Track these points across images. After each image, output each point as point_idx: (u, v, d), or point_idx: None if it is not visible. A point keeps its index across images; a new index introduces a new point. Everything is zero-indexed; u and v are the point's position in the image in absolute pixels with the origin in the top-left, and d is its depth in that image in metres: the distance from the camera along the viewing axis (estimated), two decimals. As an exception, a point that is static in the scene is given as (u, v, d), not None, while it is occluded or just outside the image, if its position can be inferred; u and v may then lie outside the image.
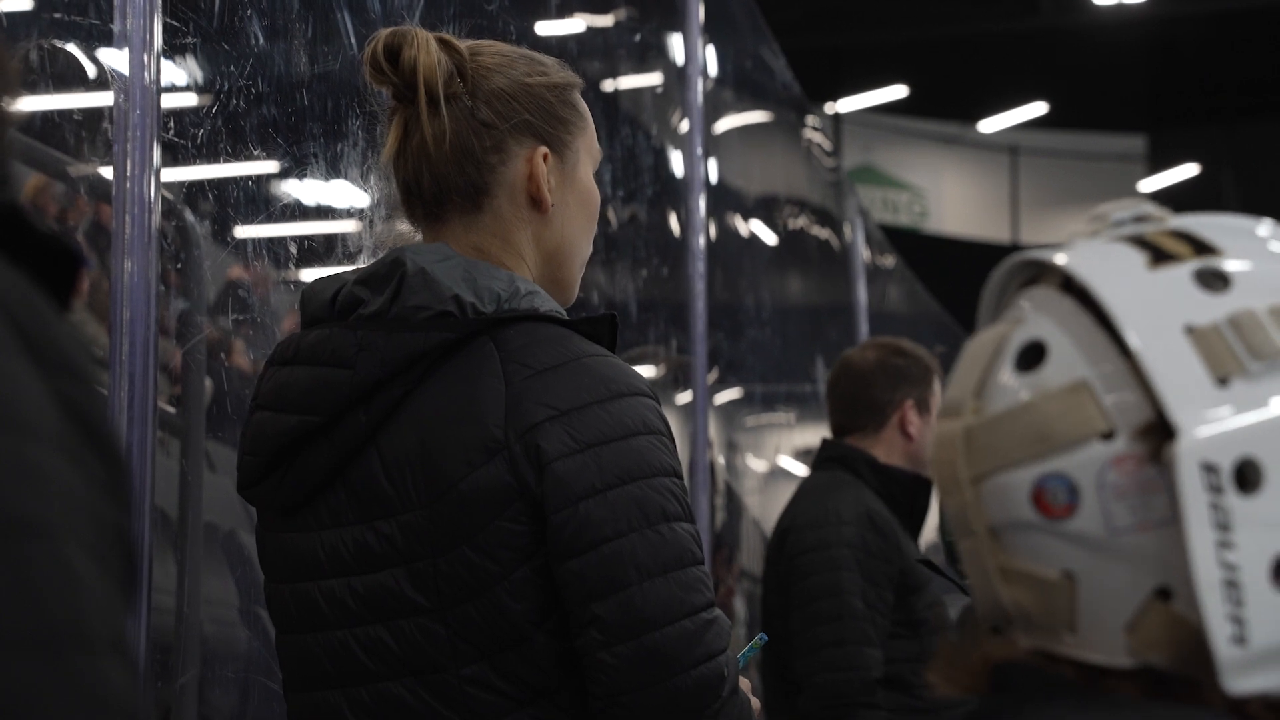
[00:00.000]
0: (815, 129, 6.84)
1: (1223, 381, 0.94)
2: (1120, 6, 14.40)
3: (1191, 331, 0.95)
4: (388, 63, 1.69)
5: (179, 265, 2.31)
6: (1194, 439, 0.92)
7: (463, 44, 1.73)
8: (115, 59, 1.97)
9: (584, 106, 1.79)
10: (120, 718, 0.59)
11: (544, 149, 1.73)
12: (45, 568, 0.58)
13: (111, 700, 0.58)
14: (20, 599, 0.56)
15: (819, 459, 3.43)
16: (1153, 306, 0.96)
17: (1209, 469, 0.92)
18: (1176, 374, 0.94)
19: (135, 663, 0.63)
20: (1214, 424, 0.93)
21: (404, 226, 1.79)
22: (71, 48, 2.09)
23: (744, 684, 1.76)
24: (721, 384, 4.96)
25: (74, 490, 0.61)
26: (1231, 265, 0.98)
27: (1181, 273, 0.97)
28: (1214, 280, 0.97)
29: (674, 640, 1.58)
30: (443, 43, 1.71)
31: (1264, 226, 1.03)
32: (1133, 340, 0.96)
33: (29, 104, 2.04)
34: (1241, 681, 0.93)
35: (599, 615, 1.57)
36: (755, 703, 1.75)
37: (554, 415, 1.58)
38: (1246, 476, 0.92)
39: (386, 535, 1.62)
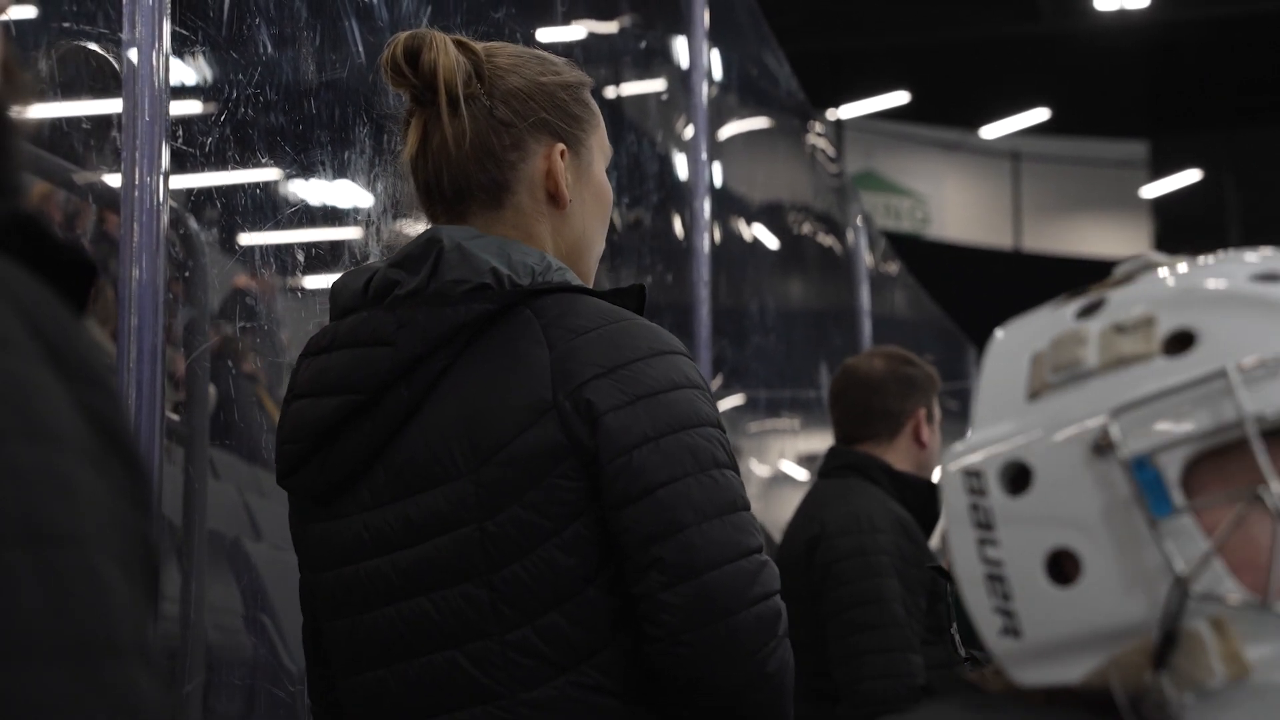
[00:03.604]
0: (819, 135, 6.84)
1: (1034, 396, 0.98)
2: (1121, 12, 14.41)
3: (1034, 357, 1.00)
4: (408, 65, 1.71)
5: (185, 273, 2.30)
6: (958, 449, 0.99)
7: (478, 45, 1.76)
8: (124, 66, 1.96)
9: (594, 104, 1.84)
10: None
11: (561, 146, 1.76)
12: (75, 577, 0.58)
13: (142, 708, 0.58)
14: (51, 608, 0.56)
15: (829, 466, 3.39)
16: (1021, 342, 1.01)
17: (970, 474, 0.97)
18: (997, 397, 1.00)
19: (163, 670, 0.63)
20: (985, 434, 0.98)
21: (410, 231, 1.80)
22: (80, 55, 2.09)
23: None
24: (725, 390, 4.95)
25: (101, 499, 0.60)
26: (1120, 294, 0.99)
27: (1070, 308, 1.01)
28: (1090, 309, 1.00)
29: (733, 579, 1.61)
30: (460, 44, 1.74)
31: (1256, 254, 1.01)
32: (982, 374, 1.02)
33: (38, 112, 2.04)
34: (1027, 673, 0.95)
35: (660, 557, 1.60)
36: None
37: (601, 372, 1.62)
38: (1017, 479, 0.96)
39: (430, 507, 1.64)
